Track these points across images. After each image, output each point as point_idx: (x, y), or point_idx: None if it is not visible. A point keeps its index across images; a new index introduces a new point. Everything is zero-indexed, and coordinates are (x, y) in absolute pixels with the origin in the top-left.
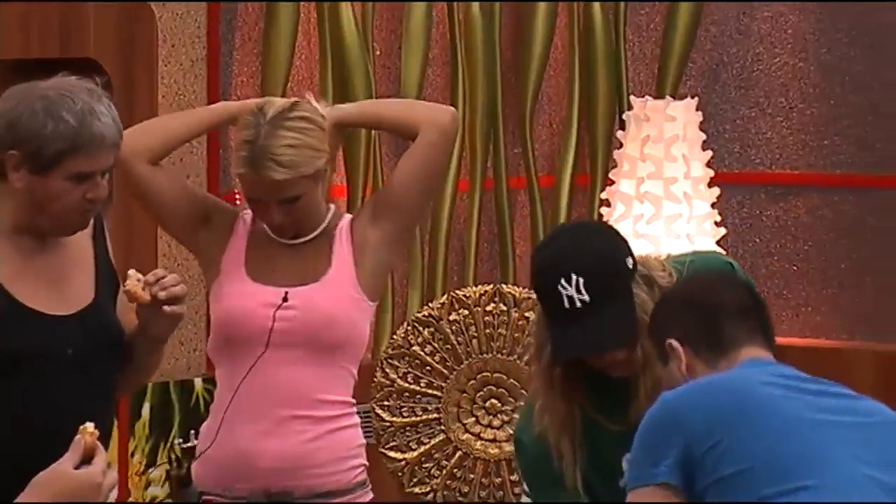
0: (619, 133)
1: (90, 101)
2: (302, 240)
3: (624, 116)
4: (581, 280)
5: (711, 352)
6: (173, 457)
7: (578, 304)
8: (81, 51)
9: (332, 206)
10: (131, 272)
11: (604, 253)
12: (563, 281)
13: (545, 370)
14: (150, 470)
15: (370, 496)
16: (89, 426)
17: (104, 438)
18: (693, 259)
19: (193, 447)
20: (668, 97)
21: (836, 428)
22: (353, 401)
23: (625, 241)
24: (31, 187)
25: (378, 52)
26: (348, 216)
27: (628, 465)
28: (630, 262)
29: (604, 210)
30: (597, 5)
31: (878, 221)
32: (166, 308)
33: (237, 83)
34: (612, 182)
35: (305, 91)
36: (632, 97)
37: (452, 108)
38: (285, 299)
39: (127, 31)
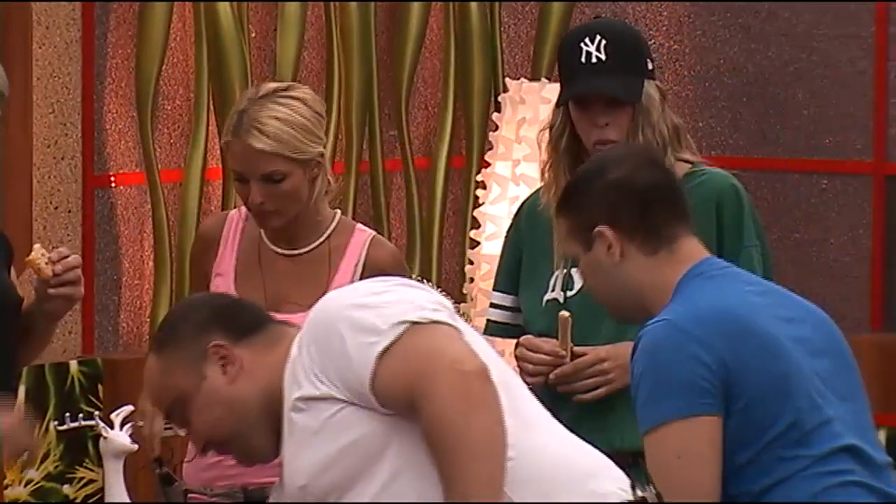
0: (495, 115)
1: None
2: (299, 251)
3: (500, 98)
4: (603, 42)
5: (650, 236)
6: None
7: (594, 60)
8: None
9: (338, 214)
10: (37, 245)
11: (633, 35)
12: (587, 39)
13: (553, 141)
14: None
15: None
16: None
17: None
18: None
19: (71, 429)
20: (543, 79)
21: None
22: None
23: (649, 50)
24: None
25: (254, 35)
26: (371, 233)
27: (643, 405)
28: (650, 64)
29: (479, 192)
30: None
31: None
32: (62, 289)
33: (112, 65)
34: (488, 164)
35: (180, 73)
36: (507, 79)
37: None
38: None
39: (1, 13)
